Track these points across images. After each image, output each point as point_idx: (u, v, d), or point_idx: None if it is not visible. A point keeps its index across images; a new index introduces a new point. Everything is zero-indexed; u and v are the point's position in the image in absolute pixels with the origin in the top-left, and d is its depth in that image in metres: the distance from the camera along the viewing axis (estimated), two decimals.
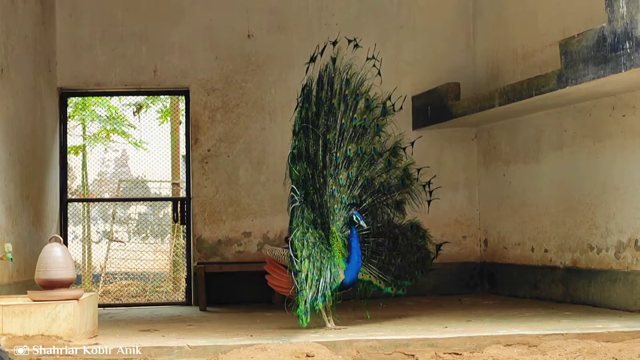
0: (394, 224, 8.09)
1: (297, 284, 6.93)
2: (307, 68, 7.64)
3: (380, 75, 7.95)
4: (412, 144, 8.32)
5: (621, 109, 8.13)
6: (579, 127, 8.80)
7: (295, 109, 7.58)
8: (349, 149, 7.75)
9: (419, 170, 8.17)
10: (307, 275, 7.00)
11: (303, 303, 6.89)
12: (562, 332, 6.55)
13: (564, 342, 6.28)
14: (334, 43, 7.83)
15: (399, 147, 8.13)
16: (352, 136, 7.80)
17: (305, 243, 7.11)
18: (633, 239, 7.98)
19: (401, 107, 8.42)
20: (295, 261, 6.97)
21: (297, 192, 7.23)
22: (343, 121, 7.75)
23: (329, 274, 7.22)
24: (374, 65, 7.97)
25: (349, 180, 7.75)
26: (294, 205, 7.19)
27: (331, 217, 7.59)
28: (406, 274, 8.07)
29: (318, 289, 7.07)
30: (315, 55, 7.73)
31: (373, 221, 7.91)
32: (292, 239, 7.04)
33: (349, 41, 7.90)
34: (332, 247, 7.44)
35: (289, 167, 7.35)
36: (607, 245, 8.35)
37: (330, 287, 7.19)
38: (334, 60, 7.78)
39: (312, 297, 6.99)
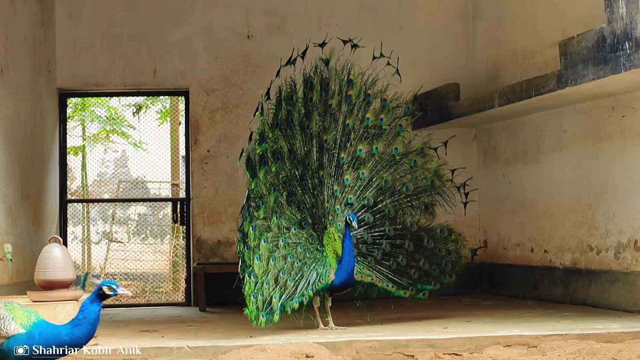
0: (418, 226, 7.87)
1: (246, 284, 6.85)
2: (278, 71, 7.52)
3: (399, 74, 7.91)
4: (445, 144, 8.12)
5: (621, 110, 8.13)
6: (578, 127, 8.80)
7: (255, 112, 7.42)
8: (359, 149, 7.63)
9: (453, 171, 8.03)
10: (277, 274, 6.96)
11: (261, 303, 6.81)
12: (561, 333, 6.55)
13: (564, 342, 6.28)
14: (322, 45, 7.75)
15: (428, 147, 7.90)
16: (364, 136, 7.68)
17: (282, 243, 7.10)
18: (633, 239, 7.97)
19: (421, 107, 8.43)
20: (241, 263, 6.95)
21: (247, 194, 7.16)
22: (348, 122, 7.64)
23: (314, 275, 7.18)
24: (389, 63, 7.92)
25: (359, 180, 7.64)
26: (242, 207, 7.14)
27: (329, 218, 7.51)
28: (429, 278, 7.84)
29: (297, 289, 7.03)
30: (294, 57, 7.61)
31: (390, 223, 7.73)
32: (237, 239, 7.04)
33: (344, 42, 7.82)
34: (326, 248, 7.37)
35: (245, 169, 7.25)
36: (606, 245, 8.34)
37: (313, 288, 7.14)
38: (326, 61, 7.67)
39: (285, 297, 6.93)
